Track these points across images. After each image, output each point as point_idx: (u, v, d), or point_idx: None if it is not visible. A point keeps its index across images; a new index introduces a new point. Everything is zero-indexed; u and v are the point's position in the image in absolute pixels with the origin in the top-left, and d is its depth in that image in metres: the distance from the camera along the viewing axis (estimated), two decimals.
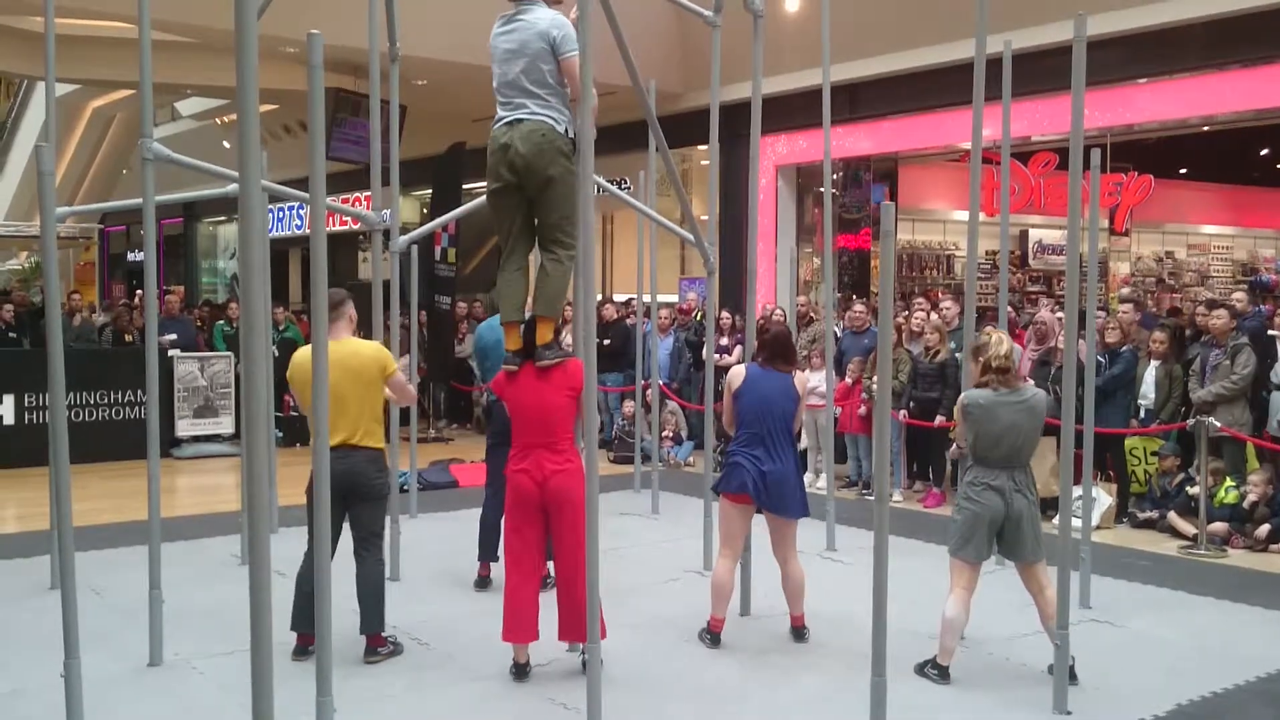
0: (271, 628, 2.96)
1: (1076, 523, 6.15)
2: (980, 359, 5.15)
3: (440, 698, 4.89)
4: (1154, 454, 8.87)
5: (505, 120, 5.10)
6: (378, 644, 5.34)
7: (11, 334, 13.18)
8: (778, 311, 12.22)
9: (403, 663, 5.34)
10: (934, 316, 10.08)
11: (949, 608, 5.08)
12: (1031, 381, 5.31)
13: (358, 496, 5.23)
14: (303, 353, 5.20)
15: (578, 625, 4.86)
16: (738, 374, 5.62)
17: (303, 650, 5.23)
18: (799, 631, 5.69)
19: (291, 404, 12.99)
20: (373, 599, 5.32)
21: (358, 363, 5.24)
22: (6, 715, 4.64)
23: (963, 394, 5.33)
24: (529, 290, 5.27)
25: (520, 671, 5.04)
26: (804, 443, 10.67)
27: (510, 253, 5.24)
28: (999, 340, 5.13)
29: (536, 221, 5.18)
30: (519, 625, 4.98)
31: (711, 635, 5.56)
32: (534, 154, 4.97)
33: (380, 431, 5.37)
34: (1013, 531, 5.05)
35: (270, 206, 9.33)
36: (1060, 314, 9.54)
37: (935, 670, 5.11)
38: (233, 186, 6.10)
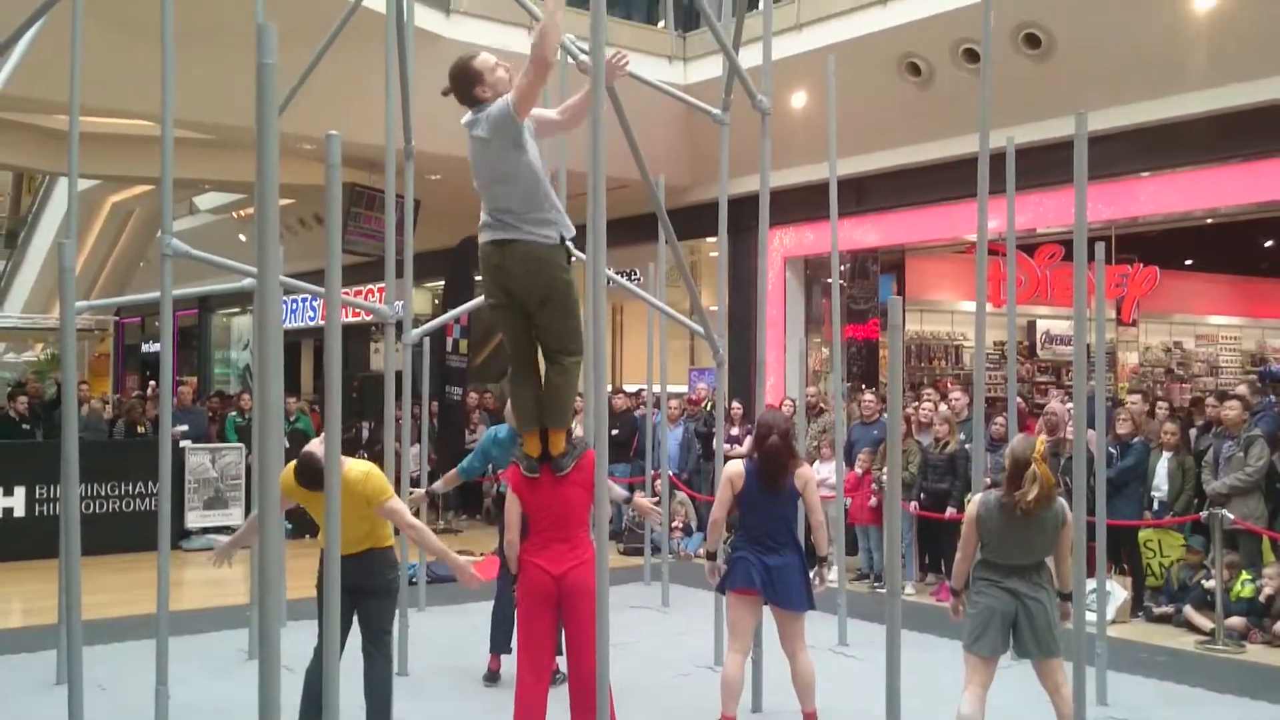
0: None
1: (1091, 617, 6.08)
2: (1015, 492, 4.89)
3: None
4: (1182, 545, 8.78)
5: (493, 240, 4.87)
6: None
7: (24, 425, 13.26)
8: (787, 403, 12.25)
9: None
10: (943, 407, 10.09)
11: (963, 705, 5.00)
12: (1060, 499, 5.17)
13: (366, 592, 5.19)
14: (286, 469, 5.08)
15: (590, 718, 4.79)
16: (738, 473, 5.55)
17: None
18: None
19: None
20: (381, 699, 5.24)
21: (359, 488, 5.09)
22: None
23: (975, 497, 5.23)
24: (540, 398, 5.23)
25: None
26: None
27: (518, 364, 5.11)
28: (1032, 486, 4.83)
29: (538, 333, 5.01)
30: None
31: None
32: (529, 278, 4.80)
33: (387, 529, 5.33)
34: (1027, 625, 4.97)
35: (284, 298, 9.46)
36: (1070, 404, 9.54)
37: None
38: (249, 281, 6.20)
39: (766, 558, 5.43)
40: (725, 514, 5.64)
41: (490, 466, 7.30)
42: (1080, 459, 5.42)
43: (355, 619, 5.33)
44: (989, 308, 7.14)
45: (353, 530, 5.03)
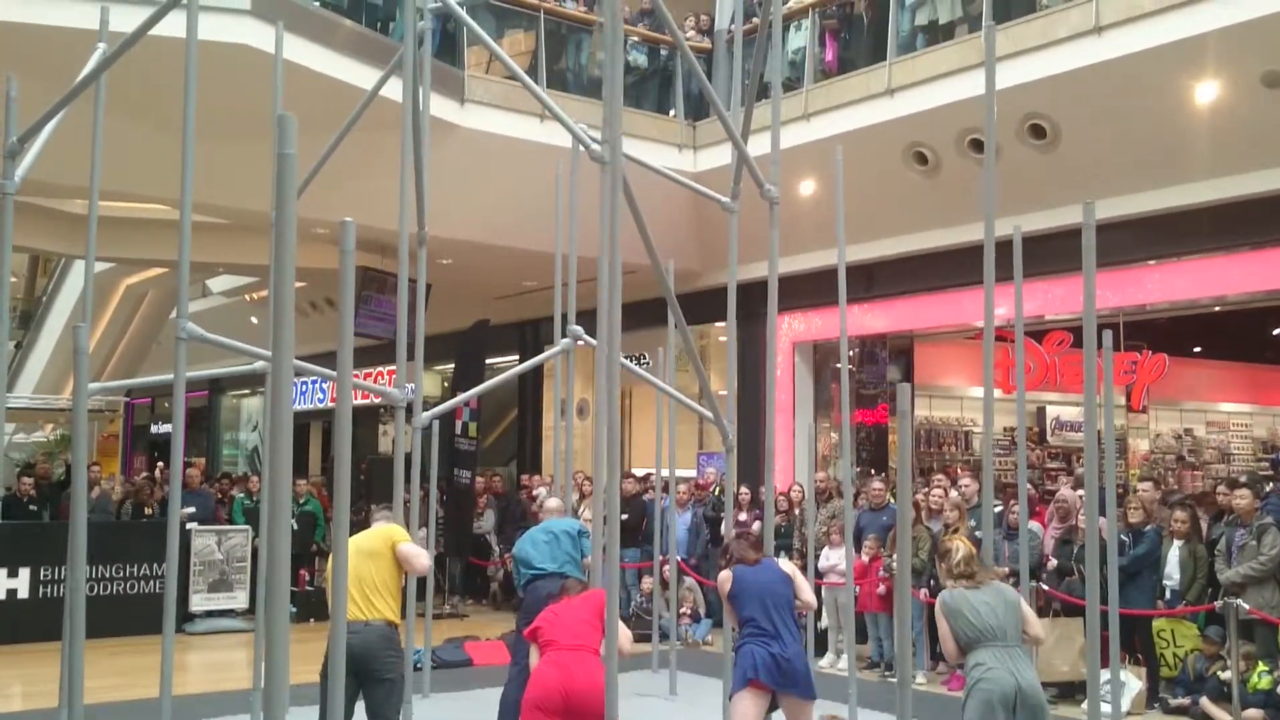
0: None
1: (1106, 708, 5.98)
2: (944, 566, 5.31)
3: None
4: (1198, 634, 8.66)
5: None
6: None
7: (32, 506, 13.23)
8: (795, 488, 12.20)
9: None
10: (953, 493, 10.03)
11: None
12: (999, 579, 5.39)
13: (371, 677, 5.16)
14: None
15: None
16: (725, 577, 5.72)
17: None
18: None
19: (307, 579, 12.92)
20: None
21: (368, 542, 5.46)
22: None
23: (937, 599, 5.35)
24: None
25: None
26: (824, 621, 10.49)
27: None
28: (957, 548, 5.28)
29: None
30: None
31: None
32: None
33: (395, 606, 5.36)
34: (1025, 709, 4.87)
35: (294, 380, 9.51)
36: (1080, 491, 9.48)
37: None
38: (261, 363, 6.25)
39: (771, 648, 5.41)
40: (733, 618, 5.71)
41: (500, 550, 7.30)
42: (1093, 546, 5.37)
43: (361, 706, 5.29)
44: (998, 394, 7.15)
45: (366, 589, 5.11)
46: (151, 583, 11.76)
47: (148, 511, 13.45)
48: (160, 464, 19.87)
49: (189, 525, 12.30)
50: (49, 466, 15.03)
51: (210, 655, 10.74)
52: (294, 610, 9.69)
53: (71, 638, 4.26)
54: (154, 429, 28.41)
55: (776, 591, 5.60)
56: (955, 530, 5.97)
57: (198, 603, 12.26)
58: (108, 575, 11.69)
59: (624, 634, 4.87)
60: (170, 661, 5.25)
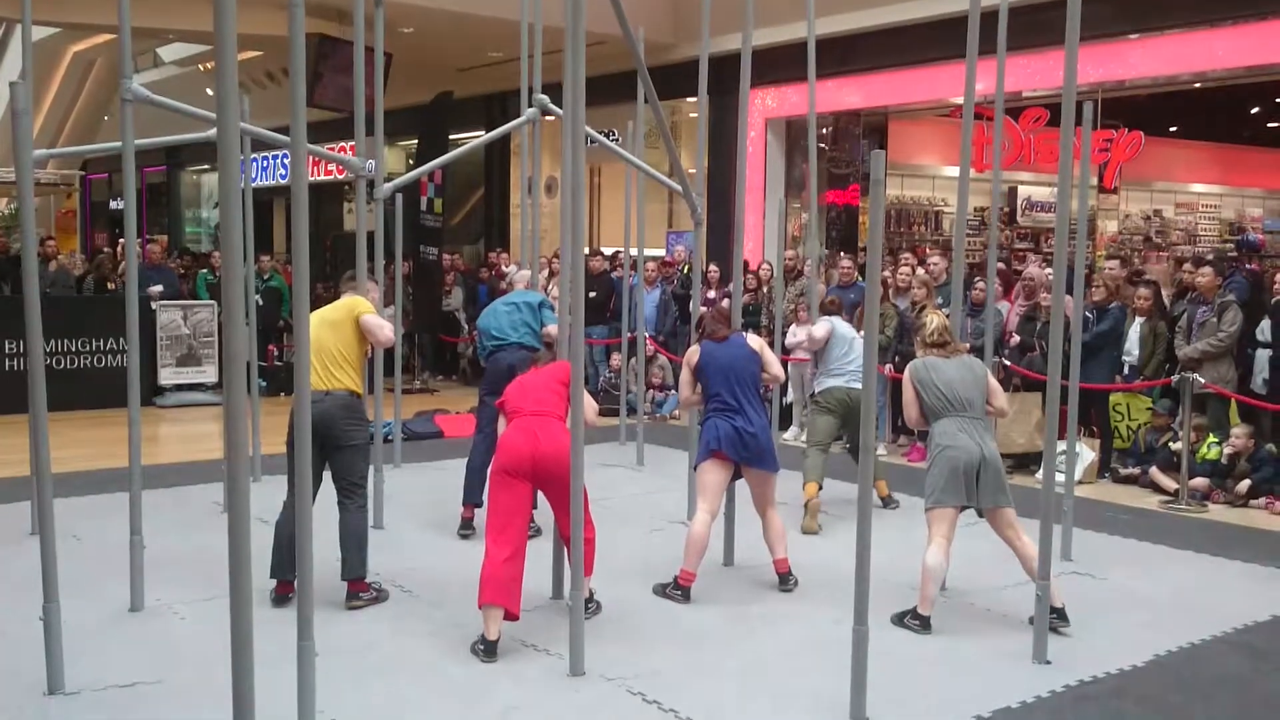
0: (251, 574, 2.94)
1: (1060, 477, 6.16)
2: (918, 337, 5.47)
3: (424, 645, 4.89)
4: (1149, 409, 8.90)
5: None
6: (360, 589, 5.34)
7: None
8: (764, 266, 12.18)
9: (386, 610, 5.34)
10: (920, 271, 10.05)
11: (929, 556, 5.11)
12: (968, 351, 5.55)
13: (334, 444, 5.23)
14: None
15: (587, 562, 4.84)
16: (693, 351, 5.80)
17: (282, 599, 5.23)
18: (785, 578, 5.71)
19: (275, 354, 12.93)
20: (354, 544, 5.31)
21: (332, 313, 5.44)
22: None
23: (907, 366, 5.47)
24: None
25: (490, 650, 4.69)
26: (790, 396, 10.68)
27: None
28: (932, 319, 5.45)
29: None
30: (498, 590, 4.70)
31: (682, 590, 5.50)
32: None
33: (357, 377, 5.40)
34: (987, 476, 5.08)
35: (254, 155, 9.20)
36: (1048, 270, 9.51)
37: (916, 620, 5.13)
38: (214, 130, 6.00)
39: (736, 422, 5.51)
40: (691, 392, 5.82)
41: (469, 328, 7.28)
42: (1058, 322, 5.40)
43: (328, 474, 5.36)
44: (971, 173, 7.03)
45: (326, 359, 5.13)
46: (119, 357, 11.74)
47: (110, 286, 13.30)
48: (122, 240, 19.54)
49: (154, 304, 12.20)
50: (5, 240, 14.73)
51: (182, 428, 10.84)
52: (263, 384, 9.70)
53: (34, 405, 4.23)
54: (113, 205, 27.83)
55: (741, 368, 5.65)
56: (923, 308, 6.11)
57: (166, 376, 12.30)
58: (73, 349, 11.65)
59: (589, 404, 4.90)
60: (138, 427, 5.25)
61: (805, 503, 7.07)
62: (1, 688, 4.31)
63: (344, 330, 5.35)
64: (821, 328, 7.69)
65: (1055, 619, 4.95)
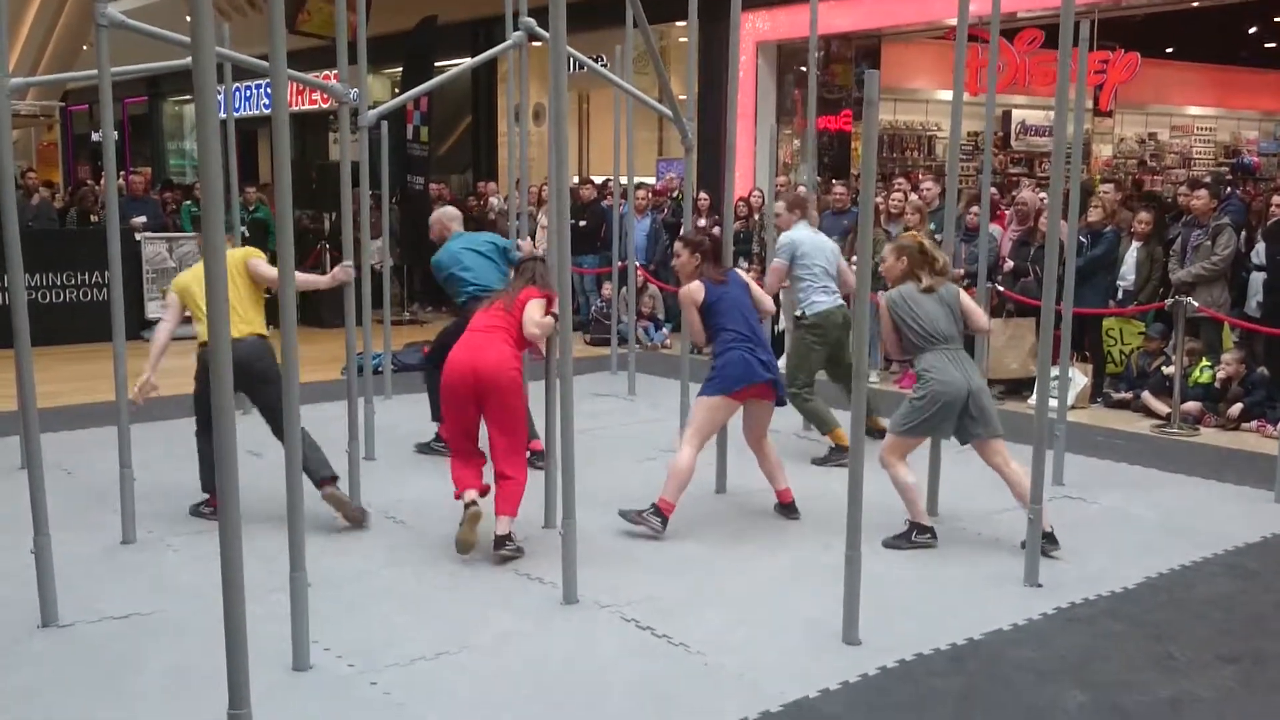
0: (239, 506, 2.91)
1: (1052, 402, 6.16)
2: (917, 260, 5.26)
3: (416, 574, 4.90)
4: (1141, 333, 8.89)
5: None
6: (329, 483, 5.37)
7: None
8: (755, 194, 12.06)
9: (379, 540, 5.34)
10: (913, 196, 9.95)
11: (903, 476, 5.18)
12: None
13: (250, 384, 5.31)
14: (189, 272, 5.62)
15: (510, 499, 5.05)
16: (696, 288, 5.55)
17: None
18: (790, 507, 5.70)
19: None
20: (309, 450, 5.26)
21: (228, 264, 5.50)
22: None
23: (882, 295, 5.39)
24: None
25: (473, 512, 5.02)
26: (782, 325, 10.64)
27: None
28: (934, 245, 5.37)
29: None
30: (461, 480, 5.14)
31: (662, 517, 5.36)
32: None
33: (259, 319, 5.49)
34: (976, 408, 5.08)
35: (236, 85, 9.03)
36: (1043, 195, 9.43)
37: (924, 534, 5.20)
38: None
39: (757, 352, 5.41)
40: (703, 330, 5.59)
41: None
42: (1052, 247, 5.36)
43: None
44: (965, 97, 6.92)
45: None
46: (103, 290, 11.63)
47: (93, 219, 13.13)
48: (104, 173, 19.27)
49: (139, 235, 12.06)
50: None
51: (169, 361, 10.71)
52: None
53: (18, 340, 4.18)
54: (94, 137, 27.43)
55: (746, 303, 5.57)
56: (915, 232, 6.02)
57: (154, 310, 12.18)
58: (57, 283, 11.52)
59: (533, 313, 5.07)
60: (123, 361, 5.20)
61: (840, 446, 6.73)
62: None
63: (235, 280, 5.38)
64: (780, 255, 6.97)
65: (1045, 543, 4.96)
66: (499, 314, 5.17)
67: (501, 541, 4.97)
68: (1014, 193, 11.94)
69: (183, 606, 4.49)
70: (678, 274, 5.80)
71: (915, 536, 5.21)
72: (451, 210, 7.38)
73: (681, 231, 6.50)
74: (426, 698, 3.71)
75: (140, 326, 11.71)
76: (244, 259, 5.50)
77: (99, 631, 4.25)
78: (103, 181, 15.41)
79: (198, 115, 2.74)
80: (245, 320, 5.35)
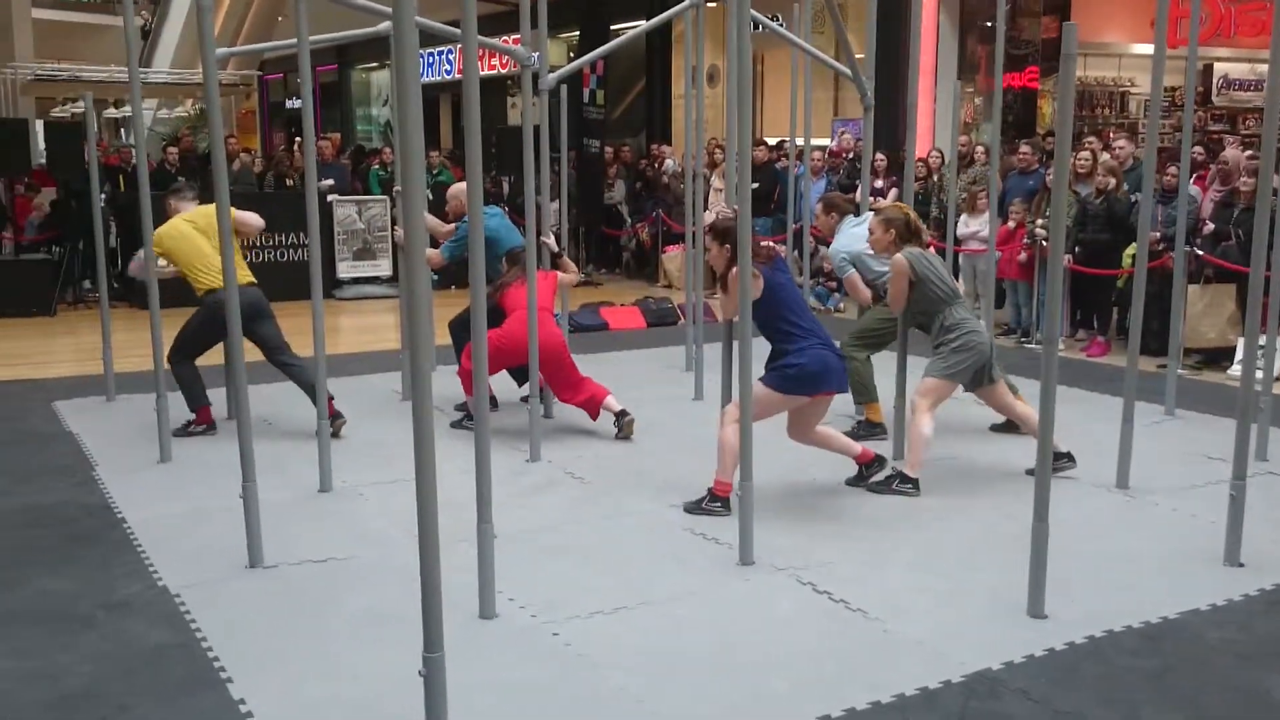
0: (435, 459, 3.01)
1: (1258, 374, 5.82)
2: (904, 233, 5.47)
3: (595, 530, 5.00)
4: None
5: None
6: (335, 414, 6.17)
7: (180, 178, 13.64)
8: (934, 154, 11.73)
9: (560, 497, 5.47)
10: (1105, 156, 9.50)
11: (927, 426, 5.32)
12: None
13: (255, 320, 6.18)
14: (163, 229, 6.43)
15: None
16: (900, 261, 5.42)
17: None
18: (872, 462, 5.44)
19: None
20: (312, 390, 5.89)
21: (204, 220, 6.45)
22: (190, 535, 4.94)
23: (896, 258, 5.47)
24: None
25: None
26: (963, 288, 10.36)
27: None
28: (918, 218, 5.61)
29: None
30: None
31: (722, 501, 5.08)
32: None
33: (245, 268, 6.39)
34: (992, 358, 5.50)
35: (420, 51, 9.30)
36: (1248, 153, 8.87)
37: (908, 483, 5.36)
38: (385, 24, 6.08)
39: (833, 349, 5.13)
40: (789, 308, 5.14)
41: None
42: (1264, 208, 5.02)
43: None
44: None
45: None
46: (299, 250, 12.21)
47: (289, 183, 13.76)
48: (298, 139, 20.16)
49: (330, 198, 12.58)
50: (192, 139, 15.36)
51: (360, 319, 11.25)
52: (435, 278, 9.94)
53: (230, 298, 4.43)
54: (288, 105, 28.72)
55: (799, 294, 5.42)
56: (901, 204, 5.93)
57: (344, 270, 12.75)
58: (255, 244, 12.12)
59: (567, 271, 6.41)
60: (321, 319, 5.44)
61: (870, 421, 6.46)
62: (207, 562, 4.61)
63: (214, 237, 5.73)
64: (845, 269, 6.42)
65: (1065, 460, 5.47)
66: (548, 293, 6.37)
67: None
68: (1215, 150, 11.28)
69: (375, 552, 4.71)
70: (711, 266, 5.50)
71: (897, 486, 5.36)
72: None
73: (858, 195, 6.36)
74: (606, 650, 3.79)
75: (332, 286, 12.27)
76: (212, 221, 5.92)
77: (300, 573, 4.50)
78: (296, 146, 16.08)
79: (398, 80, 2.81)
80: (243, 270, 6.15)
